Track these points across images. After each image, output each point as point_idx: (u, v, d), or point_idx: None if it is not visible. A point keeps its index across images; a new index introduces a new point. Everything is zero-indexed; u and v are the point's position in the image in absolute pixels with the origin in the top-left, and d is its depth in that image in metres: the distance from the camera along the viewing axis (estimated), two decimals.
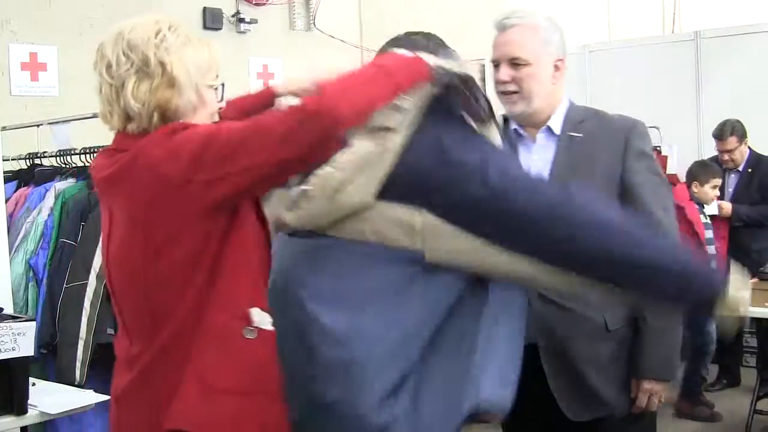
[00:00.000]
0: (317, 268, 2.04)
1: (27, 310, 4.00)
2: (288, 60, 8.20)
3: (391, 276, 2.02)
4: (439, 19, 9.01)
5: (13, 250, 4.09)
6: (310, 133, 1.78)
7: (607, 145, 2.63)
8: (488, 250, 2.01)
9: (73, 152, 4.51)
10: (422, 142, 2.02)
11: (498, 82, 2.66)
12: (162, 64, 1.92)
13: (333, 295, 2.01)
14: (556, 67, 2.65)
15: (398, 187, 1.99)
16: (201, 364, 1.89)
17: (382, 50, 2.24)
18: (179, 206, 1.85)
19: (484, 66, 9.85)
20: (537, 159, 2.67)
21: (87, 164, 4.38)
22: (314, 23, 8.38)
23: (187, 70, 1.95)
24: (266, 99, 2.28)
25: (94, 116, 4.34)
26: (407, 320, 2.02)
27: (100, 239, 2.11)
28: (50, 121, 4.80)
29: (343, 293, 2.01)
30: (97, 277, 3.89)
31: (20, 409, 2.98)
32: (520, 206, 2.00)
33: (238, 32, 7.85)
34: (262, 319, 1.94)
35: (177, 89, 1.94)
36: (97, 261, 3.90)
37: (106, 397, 3.36)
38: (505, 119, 2.75)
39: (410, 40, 2.24)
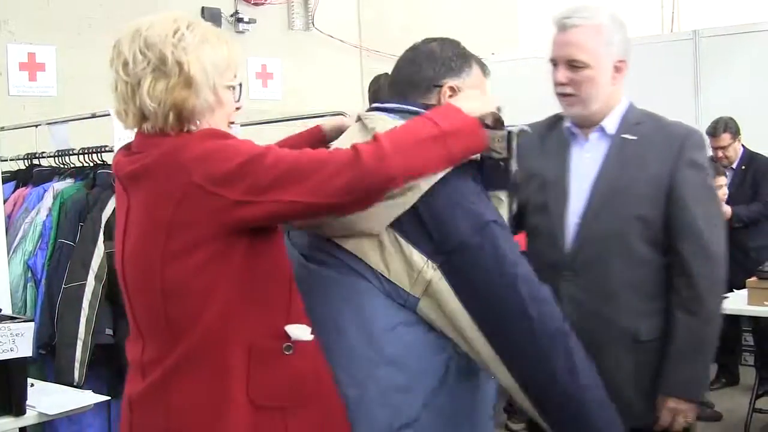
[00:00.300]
0: (302, 288, 1.99)
1: (25, 311, 3.99)
2: (287, 60, 8.20)
3: (378, 309, 1.98)
4: (438, 18, 9.01)
5: (12, 250, 4.08)
6: (358, 186, 1.75)
7: (659, 150, 2.56)
8: (476, 334, 1.95)
9: (71, 152, 4.50)
10: (445, 191, 1.96)
11: (555, 84, 2.61)
12: (179, 64, 1.88)
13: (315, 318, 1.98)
14: (617, 68, 2.57)
15: (422, 232, 1.94)
16: (248, 384, 1.84)
17: (406, 61, 2.17)
18: (206, 214, 1.80)
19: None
20: (588, 157, 2.63)
21: (85, 164, 4.38)
22: (313, 23, 8.38)
23: (205, 69, 1.91)
24: (315, 138, 2.33)
25: (93, 116, 4.39)
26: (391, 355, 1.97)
27: (115, 235, 2.02)
28: (48, 122, 4.79)
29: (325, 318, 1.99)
30: (96, 277, 3.88)
31: (18, 409, 2.97)
32: (519, 301, 1.95)
33: (237, 32, 7.84)
34: (298, 332, 1.90)
35: (194, 89, 1.90)
36: (96, 261, 3.89)
37: (104, 398, 3.36)
38: (559, 116, 2.73)
39: (428, 47, 2.17)
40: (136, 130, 1.96)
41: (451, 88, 2.13)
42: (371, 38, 8.66)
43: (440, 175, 1.93)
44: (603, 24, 2.53)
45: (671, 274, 2.56)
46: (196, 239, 1.81)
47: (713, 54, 7.23)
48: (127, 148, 2.01)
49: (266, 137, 6.01)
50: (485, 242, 1.94)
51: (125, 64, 1.90)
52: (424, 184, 1.92)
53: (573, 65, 2.54)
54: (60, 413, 3.15)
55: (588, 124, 2.64)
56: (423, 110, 2.01)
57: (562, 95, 2.61)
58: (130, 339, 2.04)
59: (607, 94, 2.58)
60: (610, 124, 2.62)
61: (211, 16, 7.59)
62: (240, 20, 7.82)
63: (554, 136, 2.72)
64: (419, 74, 2.15)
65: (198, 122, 1.92)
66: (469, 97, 2.03)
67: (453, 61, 2.16)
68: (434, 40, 2.20)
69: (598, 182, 2.58)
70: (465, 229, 1.93)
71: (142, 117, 1.91)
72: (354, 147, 1.79)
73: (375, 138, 1.81)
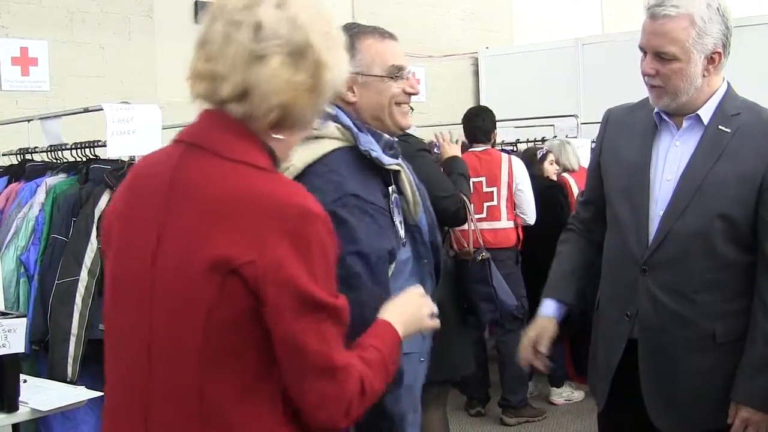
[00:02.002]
0: None
1: (18, 307, 3.97)
2: None
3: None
4: (432, 12, 9.01)
5: (4, 246, 4.07)
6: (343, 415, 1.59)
7: (755, 145, 2.44)
8: None
9: (64, 147, 4.48)
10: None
11: (643, 73, 2.50)
12: (318, 63, 1.61)
13: None
14: (711, 60, 2.44)
15: None
16: None
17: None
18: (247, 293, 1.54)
19: (477, 59, 9.86)
20: (679, 146, 2.52)
21: (78, 159, 4.36)
22: None
23: (333, 83, 1.66)
24: None
25: (86, 111, 4.37)
26: None
27: (140, 242, 1.66)
28: (41, 116, 4.76)
29: None
30: (89, 272, 3.87)
31: (11, 406, 2.95)
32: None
33: None
34: None
35: (315, 97, 1.64)
36: (89, 256, 3.88)
37: (98, 393, 3.34)
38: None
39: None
40: (199, 105, 1.67)
41: (351, 77, 2.20)
42: None
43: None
44: (697, 14, 2.39)
45: (755, 275, 2.46)
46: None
47: None
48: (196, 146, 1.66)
49: None
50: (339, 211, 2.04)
51: (258, 27, 1.58)
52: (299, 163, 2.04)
53: (661, 57, 2.44)
54: (53, 409, 3.14)
55: (680, 113, 2.52)
56: (335, 107, 2.21)
57: (650, 86, 2.51)
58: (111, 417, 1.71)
59: (698, 86, 2.46)
60: (706, 113, 2.50)
61: (205, 9, 7.56)
62: None
63: (642, 118, 2.61)
64: None
65: (290, 132, 1.68)
66: (401, 312, 1.88)
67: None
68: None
69: (687, 176, 2.47)
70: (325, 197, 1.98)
71: (239, 96, 1.59)
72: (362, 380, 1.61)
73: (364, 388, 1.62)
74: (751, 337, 2.44)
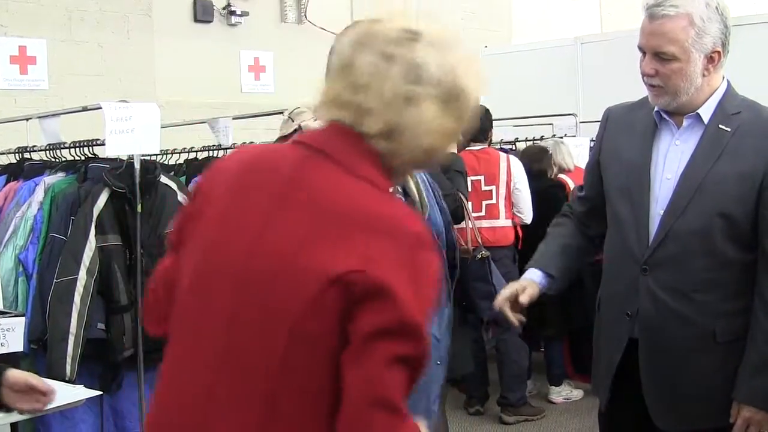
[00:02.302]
0: None
1: (17, 306, 3.97)
2: (279, 53, 8.17)
3: None
4: (431, 11, 8.99)
5: (3, 245, 4.06)
6: None
7: (755, 144, 2.43)
8: None
9: (62, 146, 4.48)
10: None
11: (642, 73, 2.49)
12: (466, 108, 1.59)
13: None
14: (710, 59, 2.43)
15: None
16: None
17: None
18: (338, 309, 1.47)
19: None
20: (679, 144, 2.51)
21: (76, 158, 4.36)
22: (305, 16, 8.35)
23: (468, 109, 1.61)
24: None
25: (84, 110, 4.37)
26: None
27: (238, 231, 1.59)
28: (39, 115, 4.77)
29: None
30: (87, 271, 3.87)
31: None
32: None
33: (229, 25, 7.82)
34: None
35: (457, 136, 1.62)
36: (87, 255, 3.88)
37: (96, 393, 3.34)
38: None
39: None
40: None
41: None
42: None
43: None
44: (696, 13, 2.38)
45: (756, 273, 2.45)
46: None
47: None
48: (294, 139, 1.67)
49: (258, 129, 5.96)
50: None
51: (416, 67, 1.53)
52: None
53: (660, 57, 2.42)
54: (52, 408, 3.12)
55: (680, 112, 2.51)
56: None
57: (649, 86, 2.50)
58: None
59: (698, 86, 2.45)
60: (706, 112, 2.49)
61: (204, 8, 7.57)
62: (232, 13, 7.79)
63: (643, 117, 2.60)
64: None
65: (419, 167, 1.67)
66: None
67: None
68: None
69: (687, 175, 2.46)
70: None
71: (387, 134, 1.54)
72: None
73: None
74: (752, 336, 2.44)
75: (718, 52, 2.44)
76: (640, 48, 2.49)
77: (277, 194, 1.56)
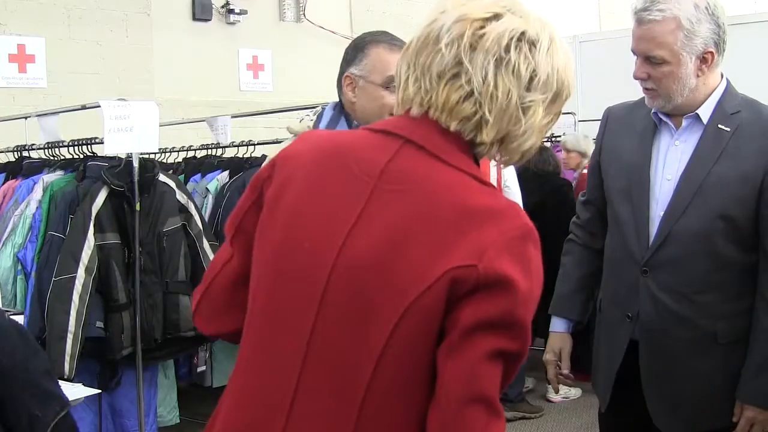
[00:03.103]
0: None
1: (15, 304, 3.97)
2: (278, 51, 8.18)
3: None
4: (429, 8, 8.98)
5: (1, 243, 4.07)
6: None
7: (755, 144, 2.42)
8: None
9: (61, 144, 4.48)
10: None
11: (635, 77, 2.49)
12: (561, 106, 1.56)
13: None
14: (704, 60, 2.41)
15: None
16: None
17: None
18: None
19: None
20: (678, 145, 2.50)
21: (75, 156, 4.36)
22: (304, 14, 8.35)
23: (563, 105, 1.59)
24: None
25: (83, 108, 4.37)
26: None
27: (339, 219, 1.49)
28: (38, 113, 4.77)
29: None
30: (86, 269, 3.87)
31: None
32: None
33: (228, 23, 7.82)
34: None
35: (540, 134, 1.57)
36: (86, 253, 3.88)
37: (95, 391, 3.35)
38: None
39: None
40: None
41: (347, 77, 2.39)
42: (363, 29, 8.57)
43: None
44: (684, 16, 2.37)
45: (757, 274, 2.44)
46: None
47: None
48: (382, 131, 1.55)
49: (257, 128, 5.96)
50: None
51: (534, 76, 1.47)
52: None
53: (651, 60, 2.42)
54: None
55: (679, 112, 2.50)
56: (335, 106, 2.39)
57: (644, 88, 2.50)
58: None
59: (692, 87, 2.44)
60: (705, 112, 2.48)
61: (202, 7, 7.56)
62: (231, 11, 7.79)
63: (642, 117, 2.59)
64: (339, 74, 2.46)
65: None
66: None
67: (348, 53, 2.41)
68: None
69: (687, 176, 2.45)
70: None
71: (500, 141, 1.52)
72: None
73: None
74: (755, 336, 2.43)
75: (711, 52, 2.42)
76: (633, 52, 2.49)
77: (371, 185, 1.47)
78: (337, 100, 2.53)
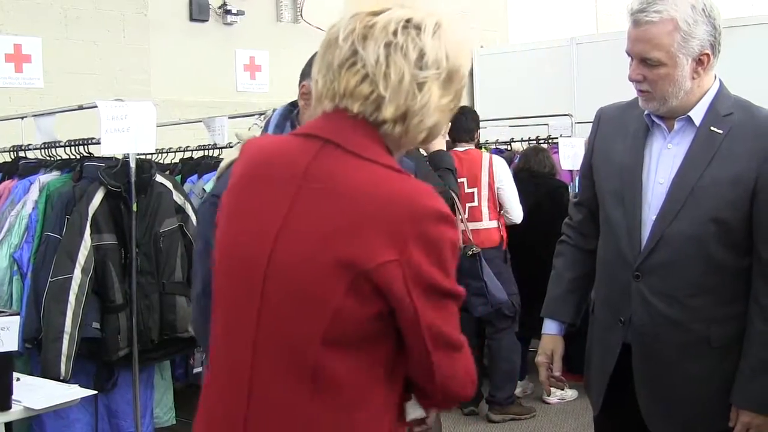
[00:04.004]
0: None
1: (12, 305, 3.97)
2: (275, 52, 8.17)
3: None
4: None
5: None
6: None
7: (747, 147, 2.40)
8: None
9: (57, 145, 4.47)
10: None
11: (630, 79, 2.47)
12: (461, 85, 1.71)
13: None
14: (700, 62, 2.39)
15: None
16: None
17: None
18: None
19: (472, 58, 9.84)
20: (671, 148, 2.48)
21: (71, 157, 4.35)
22: (301, 15, 8.34)
23: (463, 86, 1.74)
24: None
25: (80, 108, 4.36)
26: None
27: (231, 223, 1.70)
28: (35, 113, 4.76)
29: None
30: (83, 270, 3.86)
31: (4, 404, 2.95)
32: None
33: (225, 24, 7.80)
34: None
35: (452, 112, 1.72)
36: (83, 254, 3.87)
37: (91, 392, 3.34)
38: None
39: None
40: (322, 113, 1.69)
41: (303, 86, 2.39)
42: None
43: None
44: (681, 18, 2.35)
45: (751, 278, 2.43)
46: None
47: None
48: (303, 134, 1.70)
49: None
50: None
51: (422, 55, 1.61)
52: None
53: (647, 62, 2.40)
54: (46, 408, 3.13)
55: (671, 115, 2.48)
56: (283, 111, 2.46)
57: (638, 90, 2.48)
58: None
59: (688, 90, 2.42)
60: (697, 115, 2.46)
61: (199, 7, 7.55)
62: (228, 12, 7.78)
63: (635, 118, 2.57)
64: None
65: (422, 144, 1.77)
66: None
67: (308, 64, 2.37)
68: None
69: (679, 179, 2.44)
70: None
71: (401, 117, 1.62)
72: None
73: None
74: (749, 340, 2.42)
75: (707, 54, 2.40)
76: (628, 53, 2.47)
77: (296, 187, 1.62)
78: (286, 104, 2.54)
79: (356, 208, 1.57)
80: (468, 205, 5.60)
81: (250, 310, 1.63)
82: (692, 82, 2.42)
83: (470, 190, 5.65)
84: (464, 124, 5.76)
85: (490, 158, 5.77)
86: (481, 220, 5.64)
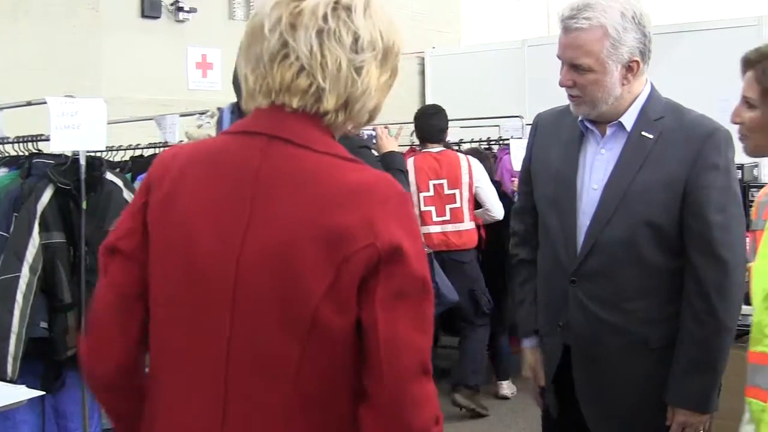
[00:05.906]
0: None
1: None
2: (227, 50, 8.11)
3: None
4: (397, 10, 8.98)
5: None
6: None
7: (677, 151, 2.43)
8: None
9: (5, 141, 4.42)
10: None
11: (560, 84, 2.52)
12: (396, 61, 1.65)
13: None
14: (629, 68, 2.43)
15: None
16: None
17: None
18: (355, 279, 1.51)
19: (424, 59, 9.89)
20: (604, 153, 2.51)
21: (20, 153, 4.30)
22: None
23: (398, 61, 1.67)
24: None
25: (29, 104, 4.31)
26: None
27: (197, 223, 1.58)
28: None
29: None
30: (30, 269, 3.82)
31: None
32: None
33: (177, 21, 7.75)
34: None
35: (389, 89, 1.68)
36: (31, 252, 3.83)
37: (39, 393, 3.30)
38: None
39: None
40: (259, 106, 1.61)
41: None
42: None
43: None
44: (610, 25, 2.38)
45: (683, 279, 2.47)
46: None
47: (654, 50, 7.25)
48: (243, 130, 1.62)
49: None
50: None
51: (356, 38, 1.55)
52: None
53: (577, 68, 2.44)
54: None
55: (603, 120, 2.52)
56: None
57: (569, 95, 2.52)
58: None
59: (617, 95, 2.46)
60: (628, 120, 2.50)
61: (151, 4, 7.49)
62: (180, 9, 7.72)
63: (569, 125, 2.60)
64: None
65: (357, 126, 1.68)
66: None
67: None
68: None
69: (611, 184, 2.47)
70: None
71: (343, 105, 1.57)
72: None
73: None
74: (681, 340, 2.45)
75: (637, 61, 2.44)
76: (559, 58, 2.51)
77: (252, 186, 1.55)
78: (232, 102, 2.51)
79: (319, 201, 1.51)
80: (449, 206, 5.66)
81: (220, 319, 1.54)
82: (622, 88, 2.46)
83: (451, 192, 5.69)
84: (437, 124, 5.80)
85: (468, 159, 5.82)
86: (463, 221, 5.70)
